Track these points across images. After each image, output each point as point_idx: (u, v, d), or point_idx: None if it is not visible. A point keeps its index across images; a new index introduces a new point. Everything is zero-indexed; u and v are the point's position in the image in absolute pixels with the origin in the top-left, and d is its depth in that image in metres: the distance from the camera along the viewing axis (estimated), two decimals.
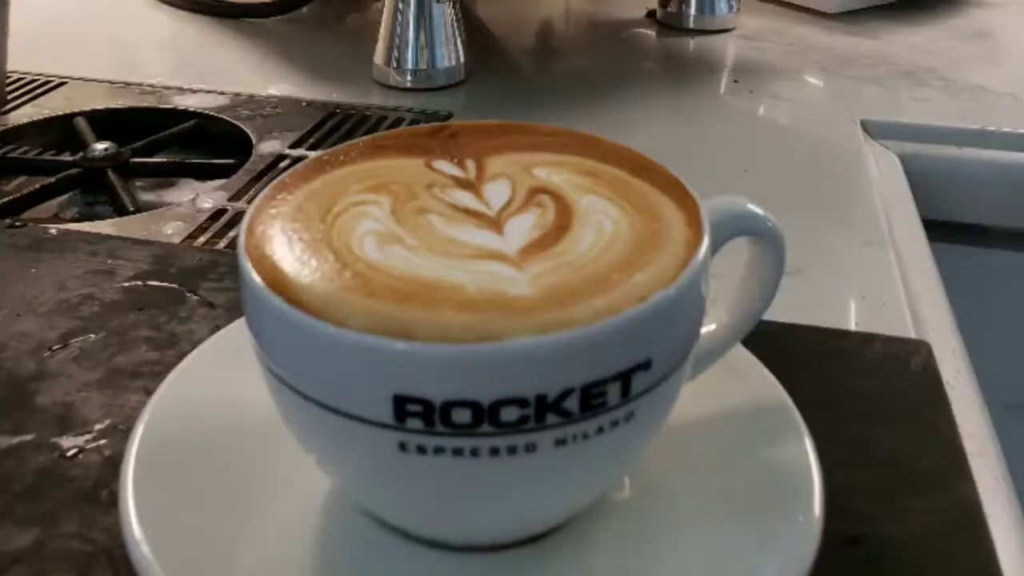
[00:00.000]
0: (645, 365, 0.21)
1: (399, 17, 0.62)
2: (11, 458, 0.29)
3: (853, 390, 0.32)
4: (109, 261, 0.40)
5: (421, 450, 0.20)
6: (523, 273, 0.21)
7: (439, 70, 0.63)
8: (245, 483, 0.26)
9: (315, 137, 0.56)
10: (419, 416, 0.20)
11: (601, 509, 0.26)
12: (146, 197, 0.52)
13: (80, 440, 0.30)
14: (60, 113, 0.59)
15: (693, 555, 0.24)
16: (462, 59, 0.64)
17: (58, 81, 0.64)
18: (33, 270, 0.39)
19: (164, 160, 0.55)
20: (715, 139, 0.57)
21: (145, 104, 0.61)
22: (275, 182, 0.25)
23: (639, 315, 0.20)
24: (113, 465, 0.28)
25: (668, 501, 0.26)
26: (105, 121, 0.58)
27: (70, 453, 0.29)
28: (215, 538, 0.24)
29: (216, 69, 0.67)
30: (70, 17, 0.79)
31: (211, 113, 0.59)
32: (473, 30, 0.74)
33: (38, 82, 0.64)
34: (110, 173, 0.51)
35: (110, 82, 0.64)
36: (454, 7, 0.62)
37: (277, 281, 0.21)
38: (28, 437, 0.30)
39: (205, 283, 0.38)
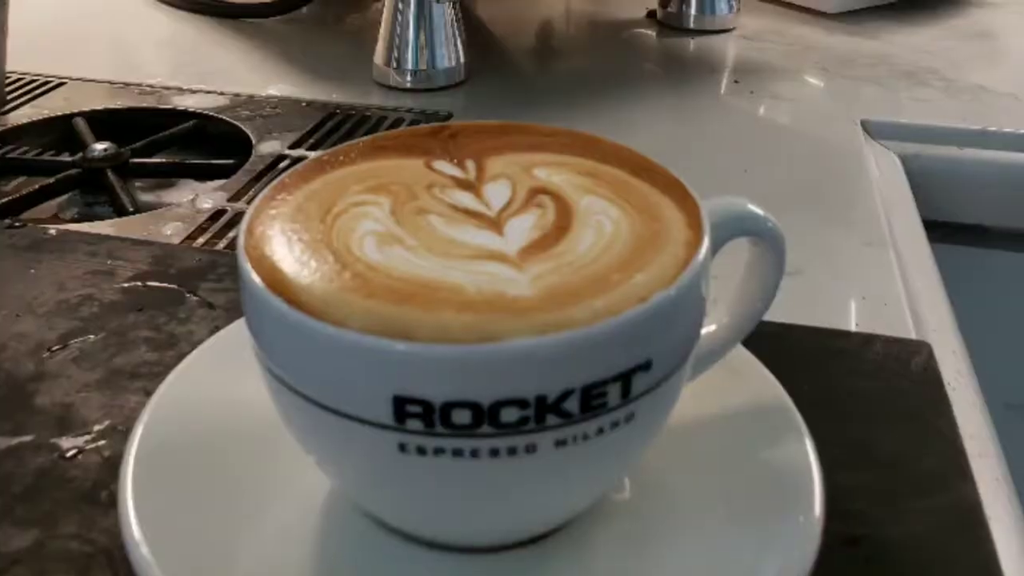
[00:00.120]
0: (645, 366, 0.21)
1: (399, 17, 0.62)
2: (10, 459, 0.29)
3: (853, 391, 0.32)
4: (108, 262, 0.40)
5: (421, 451, 0.20)
6: (523, 274, 0.21)
7: (439, 70, 0.63)
8: (245, 484, 0.26)
9: (315, 137, 0.56)
10: (419, 417, 0.20)
11: (601, 510, 0.26)
12: (146, 197, 0.52)
13: (79, 441, 0.30)
14: (59, 113, 0.59)
15: (693, 556, 0.24)
16: (462, 59, 0.64)
17: (57, 81, 0.64)
18: (32, 271, 0.39)
19: (164, 160, 0.55)
20: (715, 139, 0.57)
21: (144, 104, 0.61)
22: (275, 182, 0.25)
23: (639, 316, 0.20)
24: (112, 466, 0.28)
25: (668, 502, 0.26)
26: (104, 121, 0.58)
27: (69, 454, 0.29)
28: (215, 539, 0.24)
29: (216, 69, 0.67)
30: (70, 17, 0.79)
31: (211, 113, 0.59)
32: (473, 30, 0.74)
33: (37, 82, 0.63)
34: (109, 173, 0.51)
35: (109, 82, 0.64)
36: (454, 7, 0.62)
37: (277, 282, 0.21)
38: (27, 438, 0.30)
39: (204, 284, 0.38)
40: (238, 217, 0.46)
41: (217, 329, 0.31)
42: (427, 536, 0.25)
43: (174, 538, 0.24)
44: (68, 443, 0.30)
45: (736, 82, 0.66)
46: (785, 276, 0.27)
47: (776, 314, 0.28)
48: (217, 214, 0.46)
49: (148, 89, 0.63)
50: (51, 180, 0.50)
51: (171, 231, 0.44)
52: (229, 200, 0.48)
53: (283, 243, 0.22)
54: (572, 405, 0.20)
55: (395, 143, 0.26)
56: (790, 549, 0.23)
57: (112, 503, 0.26)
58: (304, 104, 0.60)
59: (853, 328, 0.38)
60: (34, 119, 0.58)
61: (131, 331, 0.35)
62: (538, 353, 0.19)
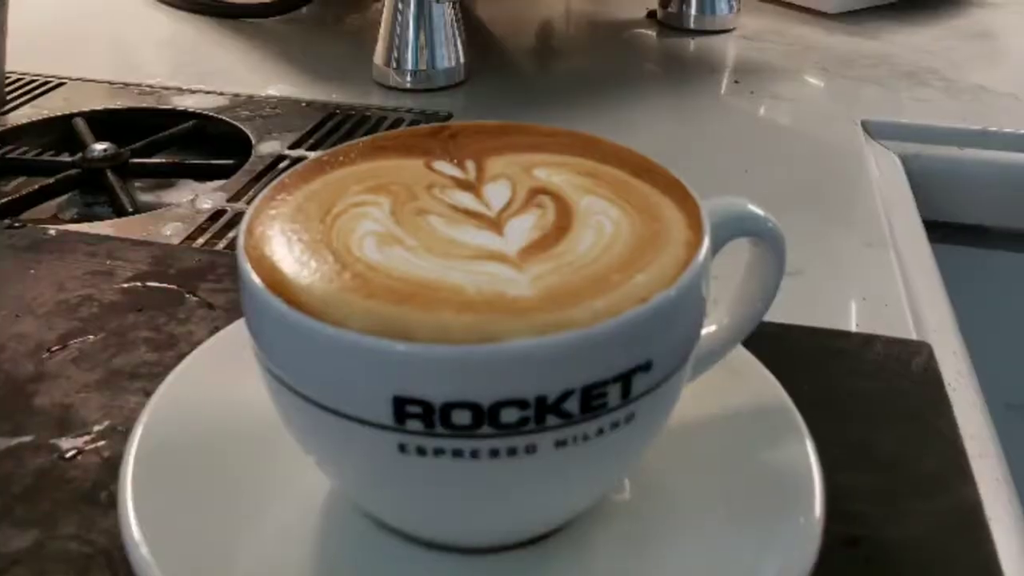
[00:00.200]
0: (646, 366, 0.21)
1: (399, 17, 0.62)
2: (10, 459, 0.29)
3: (854, 391, 0.32)
4: (108, 262, 0.40)
5: (421, 451, 0.20)
6: (523, 274, 0.21)
7: (439, 70, 0.63)
8: (244, 484, 0.26)
9: (315, 138, 0.56)
10: (419, 417, 0.20)
11: (602, 511, 0.25)
12: (145, 198, 0.52)
13: (79, 441, 0.30)
14: (59, 114, 0.59)
15: (694, 556, 0.24)
16: (462, 59, 0.64)
17: (57, 81, 0.64)
18: (32, 271, 0.39)
19: (163, 161, 0.55)
20: (715, 139, 0.57)
21: (144, 105, 0.61)
22: (274, 183, 0.25)
23: (639, 316, 0.20)
24: (112, 466, 0.28)
25: (669, 502, 0.26)
26: (104, 122, 0.58)
27: (69, 454, 0.29)
28: (214, 539, 0.24)
29: (215, 69, 0.67)
30: (69, 17, 0.79)
31: (210, 114, 0.59)
32: (473, 30, 0.74)
33: (37, 82, 0.63)
34: (109, 174, 0.51)
35: (109, 82, 0.64)
36: (454, 7, 0.62)
37: (276, 282, 0.21)
38: (27, 438, 0.30)
39: (204, 284, 0.38)
40: (238, 217, 0.46)
41: (217, 329, 0.31)
42: (427, 536, 0.25)
43: (174, 538, 0.24)
44: (68, 444, 0.30)
45: (736, 82, 0.66)
46: (785, 276, 0.27)
47: (776, 314, 0.28)
48: (217, 214, 0.46)
49: (148, 89, 0.63)
50: (51, 180, 0.50)
51: (171, 231, 0.44)
52: (229, 200, 0.48)
53: (283, 243, 0.22)
54: (572, 405, 0.20)
55: (395, 143, 0.26)
56: (790, 549, 0.23)
57: (112, 503, 0.26)
58: (304, 104, 0.60)
59: (853, 328, 0.38)
60: (34, 119, 0.58)
61: (131, 331, 0.35)
62: (538, 353, 0.19)
